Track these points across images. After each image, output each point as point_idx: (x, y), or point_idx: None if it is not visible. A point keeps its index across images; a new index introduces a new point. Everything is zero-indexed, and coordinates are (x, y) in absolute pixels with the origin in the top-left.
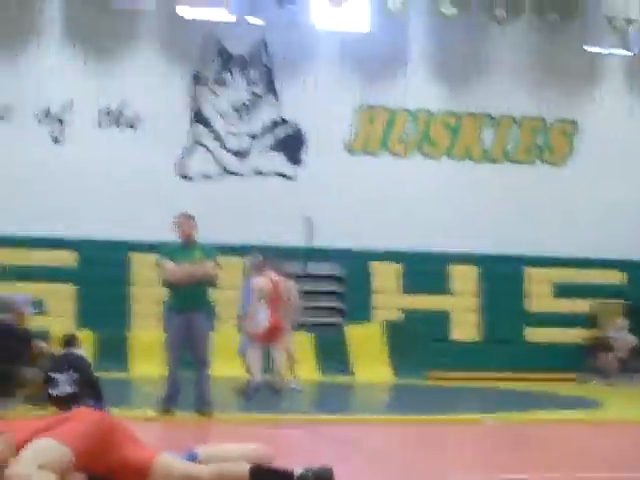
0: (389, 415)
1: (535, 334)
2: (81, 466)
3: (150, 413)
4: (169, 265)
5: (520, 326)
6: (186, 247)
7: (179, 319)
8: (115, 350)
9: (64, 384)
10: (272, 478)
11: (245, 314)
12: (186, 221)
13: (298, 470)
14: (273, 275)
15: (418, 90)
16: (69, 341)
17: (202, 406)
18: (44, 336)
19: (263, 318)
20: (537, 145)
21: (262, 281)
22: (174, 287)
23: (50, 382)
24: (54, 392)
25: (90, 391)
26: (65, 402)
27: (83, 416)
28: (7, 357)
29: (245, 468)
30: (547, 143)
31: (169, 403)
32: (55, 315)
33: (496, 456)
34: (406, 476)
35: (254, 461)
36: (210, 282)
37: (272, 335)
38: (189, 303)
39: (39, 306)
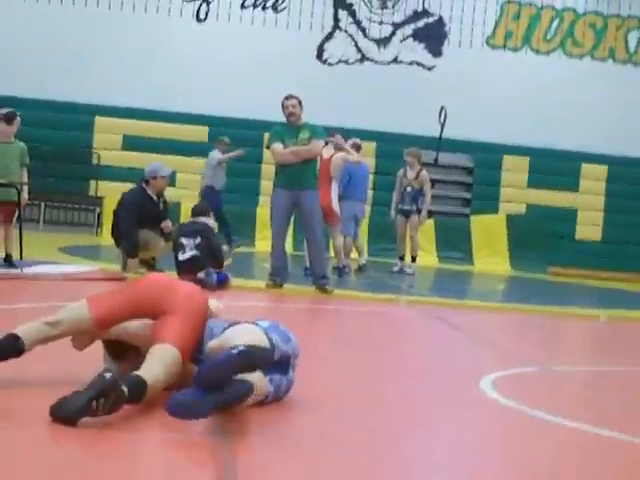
0: (502, 304)
1: None
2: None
3: (261, 285)
4: (276, 147)
5: None
6: (293, 127)
7: (286, 196)
8: (244, 224)
9: (189, 248)
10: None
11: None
12: (291, 102)
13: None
14: (329, 152)
15: None
16: (199, 211)
17: (319, 281)
18: (175, 207)
19: None
20: None
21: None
22: (282, 166)
23: (178, 247)
24: (180, 256)
25: (213, 258)
26: (190, 266)
27: (187, 305)
28: (138, 219)
29: None
30: None
31: (277, 276)
32: (184, 187)
33: (598, 350)
34: (503, 358)
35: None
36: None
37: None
38: (296, 181)
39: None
